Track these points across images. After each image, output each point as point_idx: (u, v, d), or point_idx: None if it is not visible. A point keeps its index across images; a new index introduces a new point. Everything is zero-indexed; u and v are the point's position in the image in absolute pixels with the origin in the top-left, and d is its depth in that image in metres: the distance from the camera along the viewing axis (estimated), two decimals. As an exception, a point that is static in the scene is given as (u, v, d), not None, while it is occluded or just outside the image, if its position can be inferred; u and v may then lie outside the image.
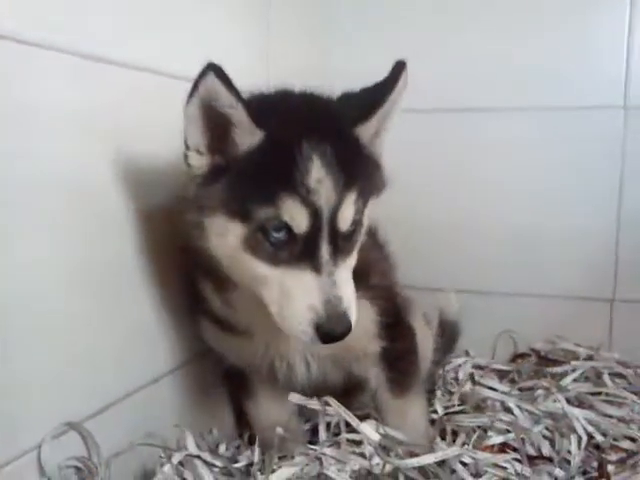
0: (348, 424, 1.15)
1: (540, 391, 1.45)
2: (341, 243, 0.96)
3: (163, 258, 1.20)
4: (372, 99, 1.02)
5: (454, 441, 1.27)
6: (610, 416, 1.35)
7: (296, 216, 0.91)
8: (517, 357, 1.77)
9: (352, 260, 1.01)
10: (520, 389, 1.52)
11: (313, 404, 1.16)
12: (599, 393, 1.47)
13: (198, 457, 1.06)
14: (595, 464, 1.19)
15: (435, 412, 1.38)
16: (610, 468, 1.17)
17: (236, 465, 1.12)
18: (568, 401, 1.39)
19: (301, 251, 0.93)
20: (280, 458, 1.12)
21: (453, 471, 1.09)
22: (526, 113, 1.75)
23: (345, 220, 0.96)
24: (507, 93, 1.75)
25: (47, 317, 0.94)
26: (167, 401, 1.22)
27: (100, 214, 1.05)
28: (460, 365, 1.64)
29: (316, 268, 0.92)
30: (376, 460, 1.09)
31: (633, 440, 1.27)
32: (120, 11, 1.06)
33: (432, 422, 1.34)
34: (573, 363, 1.61)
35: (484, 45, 1.75)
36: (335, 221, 0.94)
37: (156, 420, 1.17)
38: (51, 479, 0.91)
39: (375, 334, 1.20)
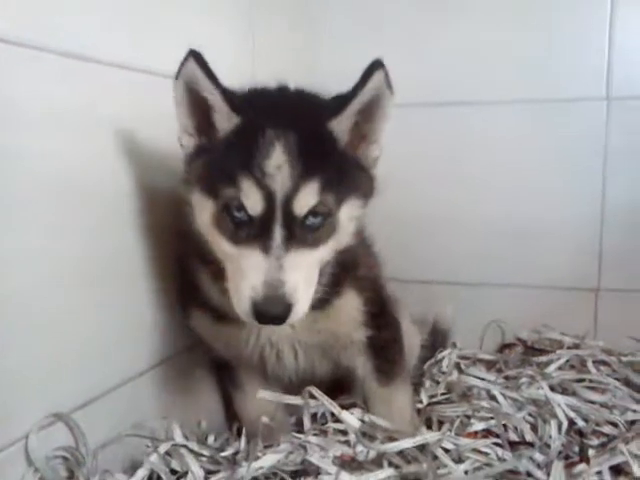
0: (333, 413, 1.17)
1: (525, 379, 1.47)
2: (299, 232, 0.98)
3: (151, 253, 1.23)
4: (346, 95, 1.04)
5: (440, 429, 1.29)
6: (592, 402, 1.37)
7: (251, 198, 0.96)
8: (504, 347, 1.79)
9: (318, 254, 1.02)
10: (506, 377, 1.55)
11: (287, 399, 1.18)
12: (583, 380, 1.50)
13: (185, 447, 1.08)
14: (576, 448, 1.21)
15: (421, 402, 1.39)
16: (591, 452, 1.19)
17: (222, 454, 1.14)
18: (552, 388, 1.42)
19: (256, 232, 0.97)
20: (265, 447, 1.14)
21: (436, 457, 1.11)
22: (510, 106, 1.77)
23: (302, 207, 0.98)
24: (492, 86, 1.78)
25: (35, 310, 0.96)
26: (156, 393, 1.24)
27: (91, 209, 1.07)
28: (446, 356, 1.65)
29: (265, 249, 0.96)
30: (360, 448, 1.11)
31: (615, 425, 1.29)
32: (106, 10, 1.08)
33: (418, 412, 1.37)
34: (558, 352, 1.63)
35: (469, 39, 1.77)
36: (291, 207, 0.97)
37: (145, 412, 1.19)
38: (38, 469, 0.93)
39: (361, 323, 1.23)
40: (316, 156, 1.00)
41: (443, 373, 1.57)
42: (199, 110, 1.02)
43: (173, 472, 1.08)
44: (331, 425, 1.20)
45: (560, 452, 1.20)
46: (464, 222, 1.82)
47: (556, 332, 1.74)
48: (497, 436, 1.23)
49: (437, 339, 1.72)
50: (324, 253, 1.04)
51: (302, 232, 0.99)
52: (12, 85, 0.90)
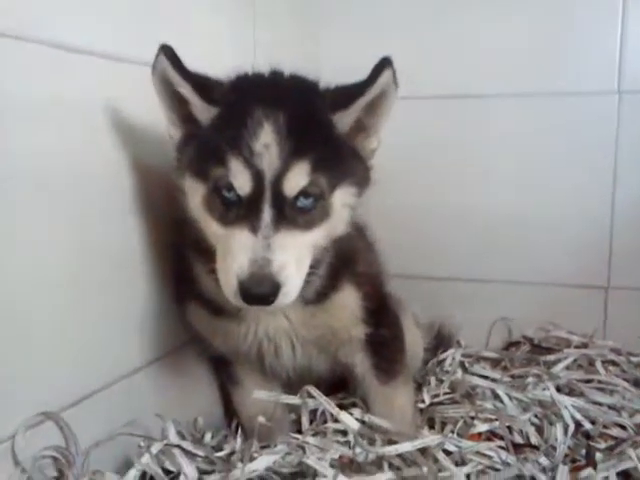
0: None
1: (531, 379, 1.44)
2: (289, 212, 0.97)
3: (147, 246, 1.20)
4: (353, 91, 1.03)
5: (443, 429, 1.26)
6: (600, 404, 1.34)
7: (239, 177, 0.95)
8: (510, 345, 1.76)
9: (310, 237, 1.00)
10: (511, 376, 1.51)
11: (284, 399, 1.16)
12: (591, 380, 1.46)
13: (178, 446, 1.05)
14: (583, 452, 1.18)
15: (423, 402, 1.36)
16: (598, 456, 1.15)
17: (218, 454, 1.12)
18: (559, 389, 1.39)
19: (245, 212, 0.96)
20: (263, 447, 1.11)
21: (437, 459, 1.08)
22: (518, 99, 1.74)
23: (292, 188, 0.96)
24: (500, 80, 1.74)
25: (24, 306, 0.93)
26: (151, 390, 1.21)
27: (84, 202, 1.05)
28: (450, 355, 1.62)
29: (254, 229, 0.94)
30: (359, 449, 1.08)
31: (623, 427, 1.26)
32: (104, 3, 1.06)
33: (420, 411, 1.34)
34: (566, 351, 1.59)
35: (478, 31, 1.74)
36: (281, 187, 0.96)
37: (140, 409, 1.16)
38: (25, 469, 0.91)
39: (360, 319, 1.21)
40: (307, 137, 0.98)
41: (447, 372, 1.54)
42: (179, 101, 1.02)
43: (167, 472, 1.05)
44: (330, 425, 1.17)
45: (566, 455, 1.16)
46: (471, 218, 1.79)
47: (564, 330, 1.70)
48: (501, 438, 1.20)
49: (442, 343, 1.69)
50: (316, 237, 1.02)
51: (292, 213, 0.97)
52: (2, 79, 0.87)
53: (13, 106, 0.90)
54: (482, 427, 1.22)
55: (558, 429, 1.18)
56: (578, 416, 1.25)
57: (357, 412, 1.18)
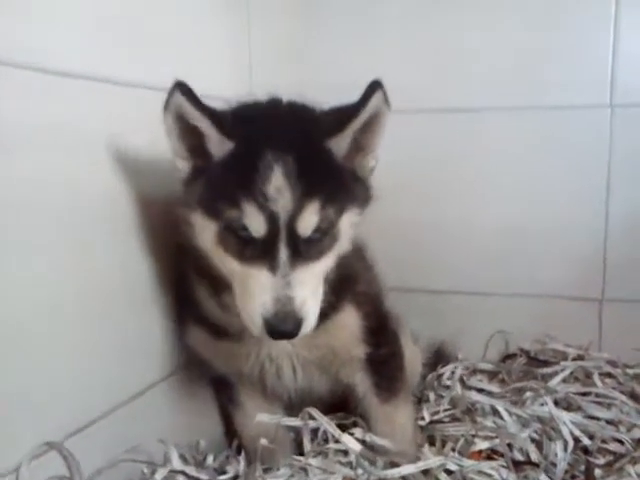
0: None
1: (529, 393, 1.44)
2: (303, 248, 1.00)
3: (146, 274, 1.21)
4: (345, 114, 1.05)
5: (443, 447, 1.27)
6: (598, 418, 1.35)
7: (254, 221, 0.98)
8: (507, 357, 1.76)
9: (321, 265, 1.04)
10: (510, 390, 1.52)
11: (286, 421, 1.17)
12: (589, 393, 1.47)
13: (182, 472, 1.06)
14: (582, 468, 1.19)
15: (423, 419, 1.37)
16: (597, 472, 1.17)
17: (221, 477, 1.12)
18: (557, 403, 1.39)
19: (261, 252, 0.99)
20: (265, 470, 1.11)
21: (438, 479, 1.09)
22: (511, 113, 1.74)
23: (305, 228, 1.00)
24: (494, 93, 1.74)
25: (25, 338, 0.93)
26: (152, 415, 1.21)
27: (89, 227, 1.06)
28: (449, 370, 1.62)
29: (272, 268, 0.98)
30: (360, 470, 1.09)
31: (621, 442, 1.27)
32: (98, 27, 1.06)
33: (421, 429, 1.34)
34: (562, 363, 1.60)
35: (470, 45, 1.74)
36: (295, 227, 0.99)
37: (142, 435, 1.16)
38: (31, 500, 0.91)
39: (360, 339, 1.22)
40: (316, 175, 1.01)
41: (446, 387, 1.55)
42: (191, 135, 1.03)
43: (170, 497, 1.06)
44: (332, 446, 1.17)
45: (566, 472, 1.18)
46: (467, 230, 1.79)
47: (560, 343, 1.71)
48: (502, 455, 1.21)
49: (441, 359, 1.70)
50: (327, 263, 1.06)
51: (306, 248, 1.01)
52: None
53: (13, 133, 0.90)
54: (483, 445, 1.22)
55: (558, 446, 1.19)
56: (577, 432, 1.26)
57: (358, 432, 1.19)
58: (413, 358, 1.50)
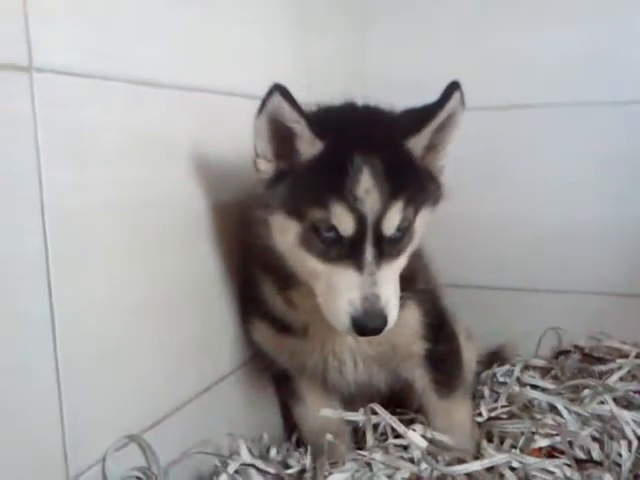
0: (394, 428, 1.17)
1: (587, 391, 1.44)
2: (386, 247, 1.03)
3: (217, 273, 1.25)
4: (424, 115, 1.07)
5: (502, 444, 1.28)
6: (659, 417, 1.34)
7: (343, 221, 1.00)
8: (560, 354, 1.76)
9: (400, 262, 1.07)
10: (566, 388, 1.52)
11: (349, 416, 1.19)
12: (648, 392, 1.46)
13: (252, 465, 1.09)
14: (646, 468, 1.19)
15: (480, 415, 1.38)
16: (662, 472, 1.16)
17: (288, 471, 1.15)
18: (616, 401, 1.38)
19: (347, 251, 1.01)
20: (331, 464, 1.14)
21: (502, 475, 1.10)
22: (560, 108, 1.73)
23: (389, 227, 1.03)
24: (538, 89, 1.73)
25: (110, 338, 0.98)
26: (219, 408, 1.25)
27: (167, 229, 1.10)
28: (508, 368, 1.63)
29: (359, 267, 1.00)
30: (424, 465, 1.11)
31: (684, 441, 1.26)
32: (167, 34, 1.09)
33: (478, 425, 1.35)
34: (619, 361, 1.59)
35: (516, 41, 1.73)
36: (380, 227, 1.02)
37: (210, 428, 1.20)
38: (115, 490, 0.95)
39: (420, 335, 1.25)
40: (399, 177, 1.04)
41: (502, 384, 1.55)
42: (280, 137, 1.05)
43: (240, 489, 1.09)
44: (392, 441, 1.20)
45: (630, 471, 1.17)
46: (521, 227, 1.79)
47: (616, 340, 1.69)
48: (561, 452, 1.21)
49: (496, 359, 1.70)
50: (404, 261, 1.09)
51: (389, 247, 1.04)
52: (85, 117, 0.91)
53: (98, 142, 0.94)
54: (543, 442, 1.23)
55: (622, 445, 1.19)
56: (639, 431, 1.26)
57: (420, 428, 1.21)
58: (467, 355, 1.50)
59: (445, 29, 1.78)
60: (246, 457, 1.13)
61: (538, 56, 1.71)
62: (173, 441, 1.11)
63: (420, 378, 1.28)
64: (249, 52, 1.29)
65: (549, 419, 1.32)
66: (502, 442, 1.29)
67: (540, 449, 1.24)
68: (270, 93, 0.99)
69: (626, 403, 1.40)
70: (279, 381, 1.41)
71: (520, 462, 1.13)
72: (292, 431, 1.42)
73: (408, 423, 1.27)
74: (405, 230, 1.06)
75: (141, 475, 1.01)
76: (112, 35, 0.95)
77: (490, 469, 1.10)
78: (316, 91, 1.31)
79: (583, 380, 1.51)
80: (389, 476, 1.06)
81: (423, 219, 1.10)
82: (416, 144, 1.08)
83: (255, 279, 1.23)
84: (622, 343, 1.68)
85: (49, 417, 0.87)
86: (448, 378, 1.30)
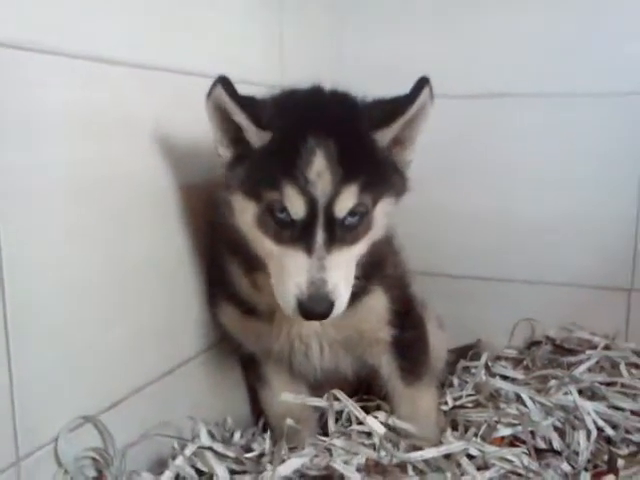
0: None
1: (554, 381, 1.45)
2: (339, 233, 1.03)
3: (181, 256, 1.24)
4: (393, 109, 1.07)
5: (466, 432, 1.28)
6: (623, 409, 1.35)
7: (294, 203, 1.00)
8: (532, 344, 1.76)
9: (355, 250, 1.07)
10: (534, 378, 1.52)
11: (311, 401, 1.19)
12: (614, 383, 1.47)
13: (210, 449, 1.09)
14: (605, 457, 1.19)
15: (446, 404, 1.38)
16: (620, 462, 1.17)
17: (248, 455, 1.15)
18: (581, 392, 1.39)
19: (299, 234, 1.02)
20: (291, 449, 1.14)
21: (460, 464, 1.10)
22: (542, 99, 1.72)
23: (341, 211, 1.02)
24: (517, 78, 1.72)
25: (64, 315, 0.97)
26: (182, 391, 1.25)
27: (129, 209, 1.09)
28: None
29: (308, 251, 1.00)
30: (384, 452, 1.11)
31: (645, 433, 1.27)
32: (130, 11, 1.07)
33: (444, 414, 1.36)
34: (588, 352, 1.60)
35: (500, 29, 1.72)
36: (332, 211, 1.01)
37: (172, 410, 1.20)
38: (68, 470, 0.95)
39: (387, 321, 1.25)
40: (355, 161, 1.03)
41: (470, 373, 1.56)
42: (231, 125, 1.05)
43: (199, 472, 1.09)
44: (355, 427, 1.20)
45: (588, 461, 1.18)
46: (495, 217, 1.79)
47: (586, 331, 1.70)
48: (524, 442, 1.22)
49: (468, 352, 1.70)
50: (361, 249, 1.08)
51: (342, 232, 1.03)
52: (35, 93, 0.90)
53: (57, 119, 0.93)
54: (505, 431, 1.24)
55: (581, 435, 1.20)
56: (600, 422, 1.27)
57: (382, 415, 1.21)
58: (438, 343, 1.50)
59: (424, 15, 1.77)
60: (205, 440, 1.13)
61: (518, 44, 1.70)
62: (133, 423, 1.11)
63: (386, 365, 1.28)
64: (217, 31, 1.28)
65: (513, 409, 1.32)
66: (466, 431, 1.29)
67: (502, 438, 1.25)
68: (213, 85, 1.01)
69: (591, 394, 1.41)
70: (246, 365, 1.41)
71: (479, 450, 1.14)
72: (259, 416, 1.42)
73: (374, 410, 1.27)
74: (361, 217, 1.05)
75: (96, 456, 1.01)
76: (66, 9, 0.93)
77: (449, 457, 1.10)
78: (290, 74, 1.29)
79: (551, 370, 1.53)
80: (346, 462, 1.05)
81: (384, 208, 1.09)
82: (383, 137, 1.07)
83: (222, 260, 1.23)
84: (592, 334, 1.69)
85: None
86: (414, 365, 1.30)
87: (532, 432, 1.24)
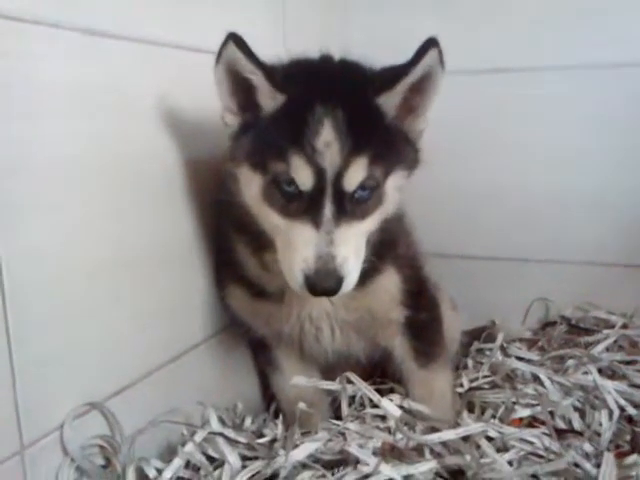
0: (372, 398, 1.14)
1: (571, 361, 1.41)
2: (348, 206, 0.99)
3: (188, 237, 1.21)
4: (397, 71, 1.02)
5: (483, 414, 1.25)
6: (644, 387, 1.31)
7: (301, 174, 0.97)
8: (547, 325, 1.73)
9: (366, 225, 1.03)
10: (551, 358, 1.49)
11: (323, 384, 1.16)
12: (633, 362, 1.43)
13: (221, 434, 1.06)
14: (627, 437, 1.16)
15: (462, 386, 1.35)
16: (643, 441, 1.14)
17: (259, 441, 1.12)
18: (600, 372, 1.36)
19: (306, 206, 0.98)
20: (303, 433, 1.11)
21: (478, 446, 1.07)
22: (558, 72, 1.67)
23: (351, 184, 0.98)
24: (540, 51, 1.67)
25: (67, 298, 0.94)
26: (192, 376, 1.22)
27: (133, 188, 1.06)
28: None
29: (316, 224, 0.97)
30: (400, 435, 1.08)
31: (667, 412, 1.23)
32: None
33: (460, 396, 1.33)
34: (605, 331, 1.56)
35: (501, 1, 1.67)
36: (341, 183, 0.98)
37: (181, 396, 1.17)
38: (74, 458, 0.92)
39: (399, 301, 1.22)
40: (365, 131, 0.99)
41: (486, 354, 1.52)
42: (242, 89, 1.01)
43: (210, 458, 1.06)
44: (369, 410, 1.17)
45: (610, 441, 1.15)
46: (507, 195, 1.75)
47: (602, 310, 1.66)
48: (543, 422, 1.18)
49: (482, 333, 1.67)
50: (372, 224, 1.05)
51: (351, 206, 1.00)
52: (35, 67, 0.86)
53: (57, 94, 0.90)
54: (524, 412, 1.21)
55: (603, 415, 1.17)
56: (622, 401, 1.23)
57: (397, 398, 1.18)
58: (451, 325, 1.47)
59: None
60: (215, 426, 1.10)
61: (525, 18, 1.65)
62: (142, 409, 1.08)
63: (399, 346, 1.25)
64: (220, 4, 1.23)
65: (530, 389, 1.29)
66: (483, 412, 1.26)
67: (521, 419, 1.22)
68: (224, 43, 0.96)
69: (611, 373, 1.38)
70: (256, 349, 1.37)
71: (498, 432, 1.10)
72: (271, 401, 1.39)
73: (388, 393, 1.24)
74: (372, 191, 1.01)
75: (104, 444, 0.98)
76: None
77: (467, 439, 1.07)
78: (294, 48, 1.24)
79: (568, 350, 1.49)
80: (361, 445, 1.02)
81: (396, 183, 1.05)
82: (388, 101, 1.03)
83: (229, 240, 1.19)
84: (609, 313, 1.65)
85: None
86: (428, 347, 1.27)
87: (551, 413, 1.21)
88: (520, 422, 1.21)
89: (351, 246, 0.98)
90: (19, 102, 0.84)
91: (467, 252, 1.82)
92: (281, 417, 1.22)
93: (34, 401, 0.88)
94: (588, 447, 1.10)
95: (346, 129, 0.97)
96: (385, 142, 1.03)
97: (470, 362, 1.50)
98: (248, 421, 1.27)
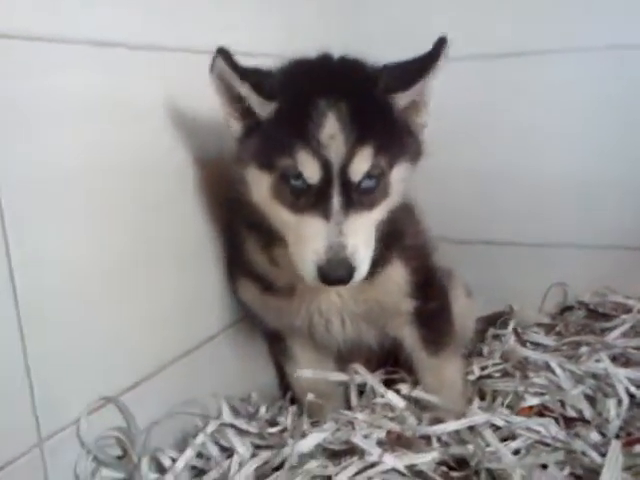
0: (380, 390, 1.17)
1: (585, 348, 1.40)
2: (355, 196, 1.01)
3: (203, 233, 1.25)
4: (413, 71, 1.05)
5: (494, 402, 1.26)
6: (657, 374, 1.30)
7: (308, 167, 0.99)
8: (565, 310, 1.72)
9: (373, 215, 1.05)
10: (566, 344, 1.48)
11: (331, 376, 1.18)
12: (650, 349, 1.42)
13: (232, 425, 1.10)
14: (638, 425, 1.16)
15: (473, 373, 1.36)
16: (654, 430, 1.13)
17: (270, 430, 1.15)
18: (614, 358, 1.35)
19: (315, 200, 1.00)
20: (313, 423, 1.14)
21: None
22: (577, 54, 1.64)
23: (357, 174, 1.01)
24: (556, 34, 1.64)
25: (83, 297, 0.98)
26: (208, 368, 1.25)
27: (149, 191, 1.10)
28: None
29: (325, 216, 0.99)
30: (406, 425, 1.10)
31: (680, 399, 1.22)
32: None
33: (471, 383, 1.34)
34: (622, 317, 1.55)
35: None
36: (347, 174, 1.00)
37: (198, 388, 1.21)
38: (90, 451, 0.97)
39: (408, 293, 1.23)
40: (368, 123, 1.01)
41: (499, 341, 1.52)
42: (238, 98, 1.05)
43: (223, 448, 1.10)
44: (379, 400, 1.19)
45: (621, 428, 1.15)
46: (525, 180, 1.73)
47: (620, 295, 1.64)
48: (553, 411, 1.19)
49: (498, 319, 1.67)
50: (379, 214, 1.07)
51: (358, 196, 1.02)
52: (43, 80, 0.90)
53: (68, 105, 0.93)
54: (533, 401, 1.21)
55: (611, 403, 1.16)
56: (632, 389, 1.22)
57: (404, 388, 1.20)
58: (466, 312, 1.48)
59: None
60: (227, 417, 1.14)
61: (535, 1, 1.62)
62: (159, 401, 1.12)
63: (409, 336, 1.27)
64: (223, 4, 1.25)
65: (542, 377, 1.29)
66: (494, 400, 1.27)
67: (531, 407, 1.23)
68: (214, 57, 1.00)
69: (625, 360, 1.37)
70: (271, 340, 1.41)
71: (504, 420, 1.12)
72: (287, 389, 1.43)
73: (398, 382, 1.26)
74: (378, 180, 1.04)
75: (120, 435, 1.03)
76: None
77: (472, 429, 1.08)
78: (299, 43, 1.25)
79: (582, 337, 1.48)
80: (366, 436, 1.05)
81: (400, 174, 1.07)
82: (401, 100, 1.05)
83: (240, 237, 1.23)
84: (626, 298, 1.63)
85: (15, 374, 0.88)
86: (437, 335, 1.28)
87: (561, 401, 1.21)
88: (530, 410, 1.22)
89: (360, 236, 1.01)
90: (25, 116, 0.87)
91: (485, 237, 1.81)
92: (292, 407, 1.25)
93: (50, 395, 0.92)
94: (595, 435, 1.10)
95: (350, 121, 0.99)
96: (390, 134, 1.05)
97: (485, 349, 1.50)
98: (262, 410, 1.30)
